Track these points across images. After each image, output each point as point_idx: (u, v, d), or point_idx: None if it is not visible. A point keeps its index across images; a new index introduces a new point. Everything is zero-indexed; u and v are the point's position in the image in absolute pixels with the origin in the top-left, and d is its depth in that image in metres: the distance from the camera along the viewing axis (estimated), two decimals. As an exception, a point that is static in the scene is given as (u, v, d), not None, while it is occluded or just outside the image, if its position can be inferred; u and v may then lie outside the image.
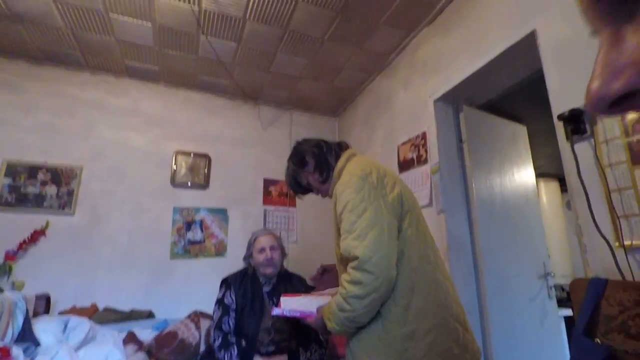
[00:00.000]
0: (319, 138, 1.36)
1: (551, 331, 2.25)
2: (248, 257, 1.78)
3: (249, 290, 1.70)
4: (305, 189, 1.36)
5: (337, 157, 1.26)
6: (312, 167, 1.29)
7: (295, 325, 1.66)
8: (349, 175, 1.10)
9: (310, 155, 1.29)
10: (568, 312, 2.61)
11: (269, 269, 1.71)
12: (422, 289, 1.02)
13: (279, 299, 1.62)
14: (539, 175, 4.42)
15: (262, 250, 1.72)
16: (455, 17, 2.18)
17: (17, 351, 1.44)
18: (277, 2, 2.23)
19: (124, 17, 2.35)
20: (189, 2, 2.22)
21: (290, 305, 1.30)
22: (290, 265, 2.89)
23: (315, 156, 1.28)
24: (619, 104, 0.27)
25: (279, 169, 3.42)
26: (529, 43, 1.66)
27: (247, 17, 2.36)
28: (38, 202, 2.59)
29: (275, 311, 1.31)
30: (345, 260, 1.03)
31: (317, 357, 1.64)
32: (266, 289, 1.74)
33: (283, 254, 1.81)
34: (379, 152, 2.95)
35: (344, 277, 1.01)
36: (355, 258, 0.96)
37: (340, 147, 1.31)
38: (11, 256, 2.41)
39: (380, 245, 0.96)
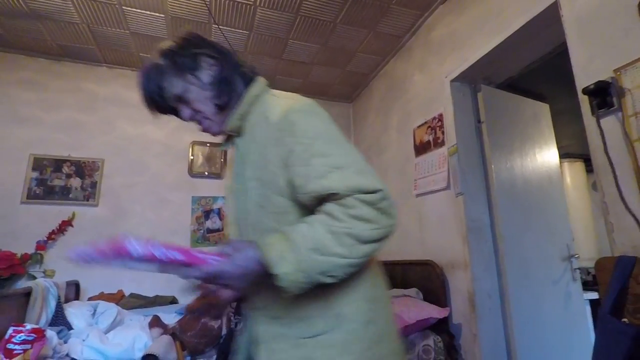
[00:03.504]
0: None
1: (576, 314, 2.19)
2: None
3: None
4: (166, 106, 0.81)
5: (247, 83, 0.83)
6: (207, 79, 0.79)
7: None
8: (301, 102, 0.79)
9: (209, 61, 0.79)
10: (594, 295, 2.53)
11: None
12: (374, 271, 0.79)
13: None
14: (563, 155, 4.25)
15: None
16: (471, -8, 2.10)
17: (51, 333, 1.52)
18: (287, -14, 2.20)
19: (137, 9, 2.38)
20: (200, -9, 2.22)
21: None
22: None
23: (218, 67, 0.80)
24: None
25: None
26: (551, 15, 1.58)
27: (258, 3, 2.34)
28: (64, 194, 2.70)
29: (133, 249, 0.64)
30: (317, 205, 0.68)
31: None
32: None
33: None
34: (395, 136, 2.91)
35: (339, 210, 0.63)
36: (375, 191, 0.63)
37: (253, 72, 0.86)
38: (42, 246, 2.54)
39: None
